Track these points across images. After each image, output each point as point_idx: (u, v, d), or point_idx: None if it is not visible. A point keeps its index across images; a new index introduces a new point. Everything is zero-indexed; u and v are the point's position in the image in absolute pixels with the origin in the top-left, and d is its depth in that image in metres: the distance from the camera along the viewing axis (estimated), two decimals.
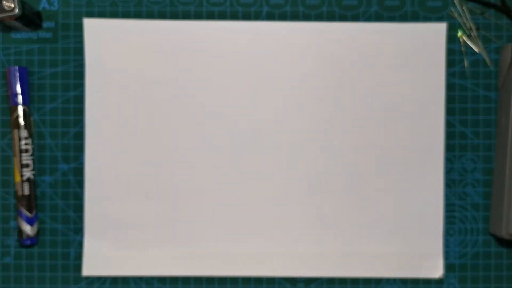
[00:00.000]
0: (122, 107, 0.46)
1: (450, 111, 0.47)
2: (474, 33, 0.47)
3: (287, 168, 0.46)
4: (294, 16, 0.47)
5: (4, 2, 0.42)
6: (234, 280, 0.47)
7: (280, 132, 0.46)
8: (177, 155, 0.46)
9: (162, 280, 0.47)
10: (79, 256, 0.47)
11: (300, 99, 0.46)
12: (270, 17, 0.47)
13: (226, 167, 0.46)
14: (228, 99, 0.46)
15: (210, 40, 0.46)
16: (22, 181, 0.46)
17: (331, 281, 0.47)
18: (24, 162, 0.46)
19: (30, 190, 0.46)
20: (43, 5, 0.47)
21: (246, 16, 0.47)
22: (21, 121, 0.46)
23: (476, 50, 0.47)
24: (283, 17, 0.47)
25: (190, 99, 0.46)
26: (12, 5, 0.42)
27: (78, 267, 0.47)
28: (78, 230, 0.47)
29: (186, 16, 0.47)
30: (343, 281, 0.47)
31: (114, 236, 0.47)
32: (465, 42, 0.47)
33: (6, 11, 0.42)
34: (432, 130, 0.47)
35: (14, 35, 0.47)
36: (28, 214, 0.46)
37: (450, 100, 0.47)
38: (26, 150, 0.46)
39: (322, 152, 0.46)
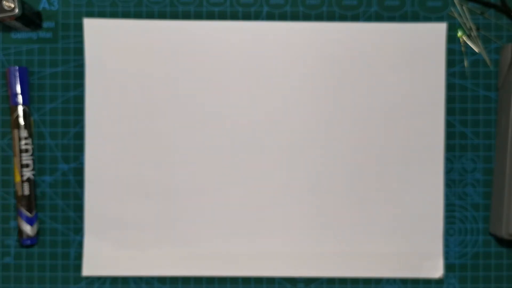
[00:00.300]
0: (122, 107, 0.46)
1: (450, 111, 0.47)
2: (474, 33, 0.47)
3: (287, 168, 0.46)
4: (294, 16, 0.47)
5: (4, 2, 0.42)
6: (234, 280, 0.47)
7: (280, 132, 0.46)
8: (177, 155, 0.46)
9: (162, 280, 0.47)
10: (79, 256, 0.47)
11: (300, 99, 0.46)
12: (270, 17, 0.47)
13: (226, 167, 0.46)
14: (228, 99, 0.46)
15: (210, 40, 0.46)
16: (22, 181, 0.46)
17: (331, 281, 0.47)
18: (24, 162, 0.46)
19: (30, 190, 0.46)
20: (43, 5, 0.47)
21: (246, 16, 0.47)
22: (21, 121, 0.46)
23: (476, 50, 0.47)
24: (283, 17, 0.47)
25: (190, 99, 0.46)
26: (12, 5, 0.42)
27: (78, 267, 0.47)
28: (78, 230, 0.47)
29: (186, 16, 0.47)
30: (343, 281, 0.47)
31: (114, 236, 0.47)
32: (465, 42, 0.47)
33: (6, 11, 0.42)
34: (432, 130, 0.47)
35: (14, 35, 0.47)
36: (28, 214, 0.46)
37: (450, 100, 0.47)
38: (26, 150, 0.46)
39: (322, 152, 0.46)
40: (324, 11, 0.47)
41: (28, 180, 0.46)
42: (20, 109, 0.46)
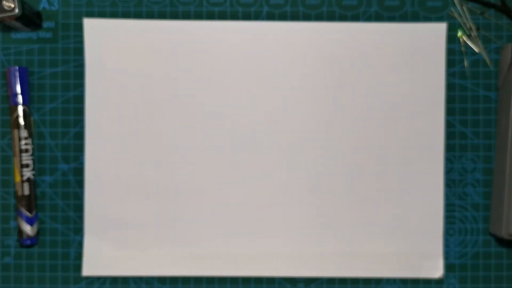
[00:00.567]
0: (122, 107, 0.46)
1: (450, 111, 0.47)
2: (474, 33, 0.47)
3: (287, 168, 0.46)
4: (294, 16, 0.47)
5: (4, 2, 0.42)
6: (234, 280, 0.47)
7: (280, 132, 0.46)
8: (177, 155, 0.46)
9: (162, 280, 0.47)
10: (79, 256, 0.47)
11: (300, 99, 0.46)
12: (270, 17, 0.47)
13: (226, 167, 0.46)
14: (228, 99, 0.46)
15: (210, 40, 0.46)
16: (22, 181, 0.46)
17: (331, 281, 0.47)
18: (24, 162, 0.46)
19: (30, 190, 0.46)
20: (43, 5, 0.47)
21: (246, 16, 0.47)
22: (21, 121, 0.46)
23: (476, 50, 0.47)
24: (283, 17, 0.47)
25: (190, 99, 0.46)
26: (12, 5, 0.42)
27: (78, 267, 0.47)
28: (78, 230, 0.47)
29: (186, 16, 0.47)
30: (343, 281, 0.47)
31: (114, 236, 0.47)
32: (465, 42, 0.47)
33: (6, 11, 0.42)
34: (432, 130, 0.47)
35: (14, 35, 0.47)
36: (28, 214, 0.46)
37: (450, 100, 0.47)
38: (26, 150, 0.46)
39: (322, 152, 0.46)
40: (324, 11, 0.47)
41: (28, 180, 0.46)
42: (20, 109, 0.46)
